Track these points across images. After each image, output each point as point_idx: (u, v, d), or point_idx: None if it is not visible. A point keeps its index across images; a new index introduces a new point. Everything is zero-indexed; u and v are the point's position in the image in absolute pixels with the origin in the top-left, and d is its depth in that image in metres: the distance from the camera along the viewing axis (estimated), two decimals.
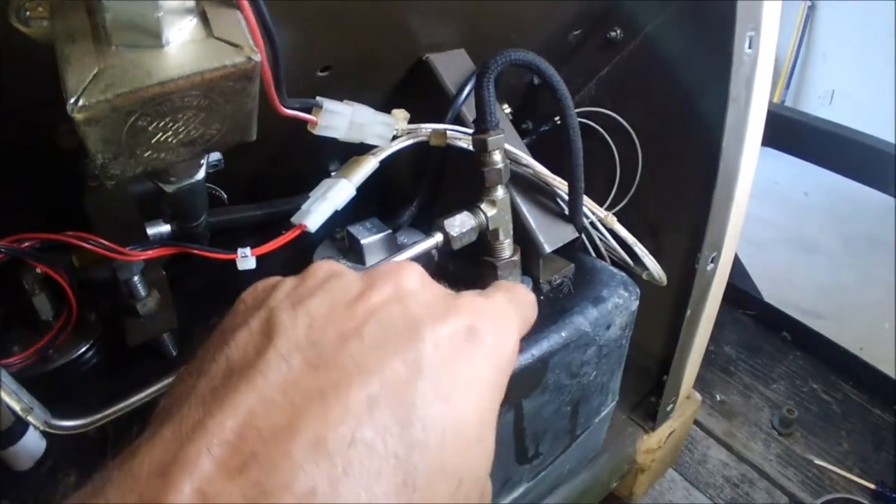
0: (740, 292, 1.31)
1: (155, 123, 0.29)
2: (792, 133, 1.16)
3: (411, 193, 0.56)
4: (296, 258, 0.56)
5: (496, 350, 0.23)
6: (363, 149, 0.47)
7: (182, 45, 0.28)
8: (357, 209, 0.51)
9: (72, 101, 0.27)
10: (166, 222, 0.47)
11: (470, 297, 0.25)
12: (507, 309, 0.26)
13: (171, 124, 0.29)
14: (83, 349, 0.49)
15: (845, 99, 2.66)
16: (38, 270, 0.46)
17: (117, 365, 0.49)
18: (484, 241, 0.48)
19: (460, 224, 0.44)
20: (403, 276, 0.24)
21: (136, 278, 0.45)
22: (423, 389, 0.20)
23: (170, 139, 0.30)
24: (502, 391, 0.24)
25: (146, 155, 0.31)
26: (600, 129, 0.66)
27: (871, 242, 2.01)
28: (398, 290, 0.24)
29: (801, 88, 2.85)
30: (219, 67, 0.28)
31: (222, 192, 0.50)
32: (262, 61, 0.29)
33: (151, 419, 0.21)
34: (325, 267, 0.26)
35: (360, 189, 0.47)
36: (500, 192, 0.46)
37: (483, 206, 0.45)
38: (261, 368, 0.20)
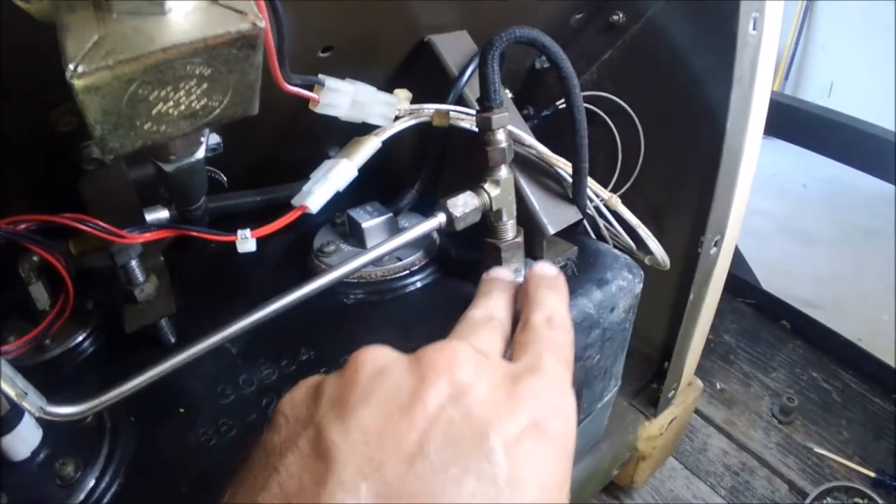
0: (740, 281, 1.31)
1: (156, 93, 0.29)
2: (791, 121, 1.16)
3: (412, 177, 0.56)
4: (297, 243, 0.55)
5: (563, 438, 0.22)
6: (364, 131, 0.47)
7: (185, 13, 0.28)
8: (358, 193, 0.51)
9: (71, 67, 0.26)
10: (165, 207, 0.47)
11: (529, 385, 0.23)
12: (562, 379, 0.25)
13: (172, 94, 0.29)
14: (80, 338, 0.49)
15: (844, 90, 2.67)
16: (35, 258, 0.45)
17: (115, 353, 0.48)
18: (487, 222, 0.47)
19: (463, 204, 0.43)
20: (457, 368, 0.22)
21: (133, 263, 0.45)
22: (499, 496, 0.19)
23: (171, 110, 0.30)
24: (570, 474, 0.23)
25: (146, 127, 0.30)
26: (602, 114, 0.66)
27: (870, 233, 2.02)
28: (454, 386, 0.22)
29: (800, 80, 2.85)
30: (222, 34, 0.27)
31: (222, 175, 0.50)
32: (266, 29, 0.29)
33: None
34: (370, 360, 0.23)
35: (361, 173, 0.46)
36: (503, 172, 0.45)
37: (486, 186, 0.45)
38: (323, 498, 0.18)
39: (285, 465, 0.19)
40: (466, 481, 0.19)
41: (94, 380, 0.46)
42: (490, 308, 0.31)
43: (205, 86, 0.29)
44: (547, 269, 0.35)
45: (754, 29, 0.54)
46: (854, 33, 2.57)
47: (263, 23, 0.28)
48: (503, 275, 0.36)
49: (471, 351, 0.24)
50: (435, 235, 0.53)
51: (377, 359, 0.23)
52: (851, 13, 2.54)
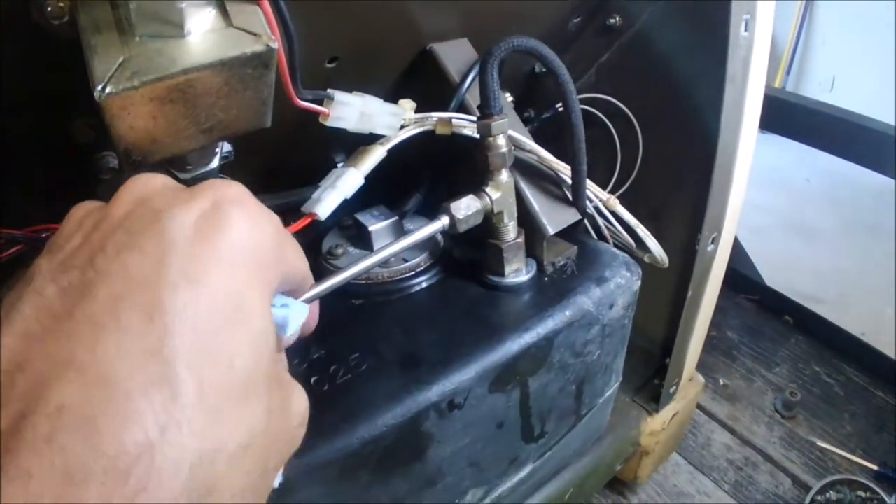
0: (742, 277, 1.32)
1: (177, 110, 0.31)
2: (793, 117, 1.17)
3: (417, 182, 0.58)
4: (306, 247, 0.57)
5: (250, 227, 0.23)
6: (369, 140, 0.49)
7: (203, 35, 0.30)
8: (365, 198, 0.53)
9: (99, 87, 0.29)
10: None
11: (214, 182, 0.24)
12: (253, 198, 0.25)
13: (192, 111, 0.31)
14: None
15: (846, 85, 2.66)
16: None
17: None
18: (489, 224, 0.49)
19: (466, 207, 0.45)
20: (144, 182, 0.24)
21: None
22: (168, 277, 0.20)
23: (190, 125, 0.32)
24: (270, 273, 0.23)
25: (167, 141, 0.32)
26: (601, 116, 0.68)
27: (872, 228, 2.02)
28: (141, 195, 0.23)
29: (801, 75, 2.85)
30: (239, 55, 0.29)
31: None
32: (278, 49, 0.31)
33: None
34: (78, 209, 0.25)
35: (367, 178, 0.48)
36: (504, 175, 0.47)
37: (488, 189, 0.47)
38: (16, 307, 0.20)
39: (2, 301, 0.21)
40: (132, 259, 0.20)
41: None
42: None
43: (222, 102, 0.31)
44: None
45: (746, 30, 0.56)
46: (855, 28, 2.57)
47: (276, 44, 0.30)
48: None
49: (165, 176, 0.25)
50: (439, 237, 0.55)
51: (82, 207, 0.25)
52: (852, 8, 2.53)
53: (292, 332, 0.28)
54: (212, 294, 0.20)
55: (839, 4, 2.61)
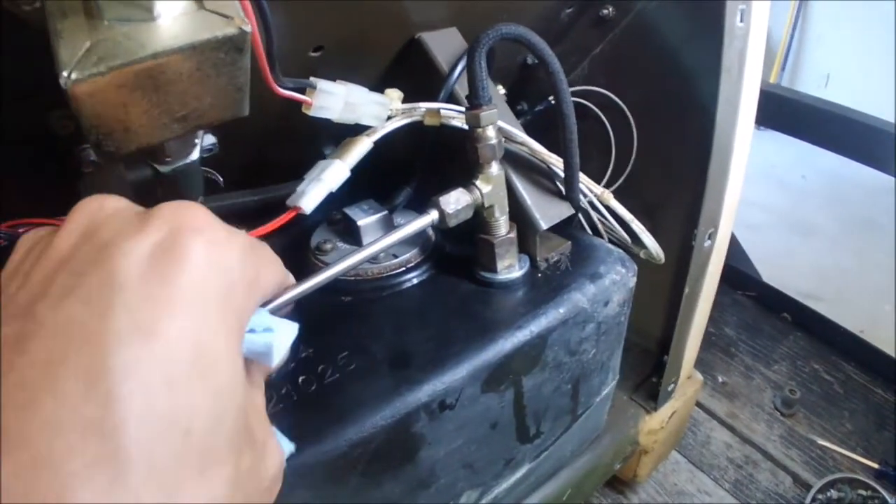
0: (740, 274, 1.31)
1: (148, 97, 0.29)
2: (790, 113, 1.16)
3: (407, 175, 0.57)
4: (294, 242, 0.56)
5: (215, 259, 0.20)
6: (357, 131, 0.47)
7: (173, 19, 0.28)
8: (354, 192, 0.51)
9: (65, 73, 0.27)
10: None
11: (170, 206, 0.21)
12: (215, 221, 0.22)
13: (163, 98, 0.30)
14: None
15: (841, 81, 2.67)
16: None
17: None
18: (480, 219, 0.48)
19: (455, 201, 0.44)
20: (93, 208, 0.21)
21: None
22: (115, 328, 0.17)
23: (163, 114, 0.30)
24: (238, 312, 0.21)
25: (140, 130, 0.31)
26: (594, 108, 0.67)
27: (870, 225, 2.02)
28: (88, 224, 0.20)
29: (796, 71, 2.85)
30: (210, 38, 0.28)
31: (218, 176, 0.50)
32: (253, 33, 0.30)
33: None
34: (27, 239, 0.22)
35: (356, 172, 0.47)
36: (494, 168, 0.46)
37: (478, 182, 0.45)
38: None
39: None
40: (74, 307, 0.17)
41: None
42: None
43: (195, 89, 0.30)
44: None
45: (742, 21, 0.55)
46: (850, 25, 2.57)
47: (250, 27, 0.29)
48: None
49: (118, 197, 0.22)
50: (430, 232, 0.54)
51: (30, 237, 0.23)
52: (847, 5, 2.54)
53: (279, 359, 0.25)
54: (168, 346, 0.18)
55: (834, 2, 2.61)
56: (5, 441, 0.16)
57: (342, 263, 0.38)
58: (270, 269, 0.25)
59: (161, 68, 0.28)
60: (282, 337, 0.25)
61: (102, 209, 0.21)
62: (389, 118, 0.47)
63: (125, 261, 0.18)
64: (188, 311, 0.18)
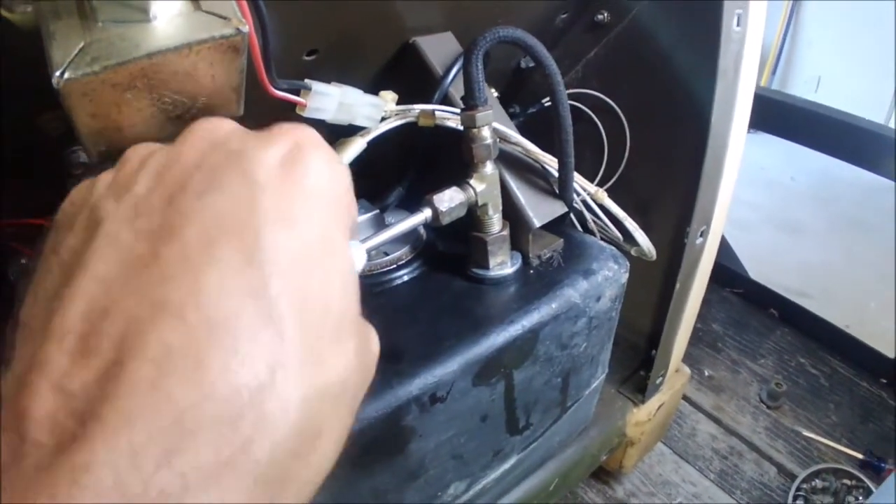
0: (727, 271, 1.32)
1: (142, 97, 0.29)
2: (780, 115, 1.17)
3: (399, 175, 0.57)
4: None
5: (329, 168, 0.22)
6: (352, 132, 0.47)
7: (169, 19, 0.28)
8: None
9: (57, 73, 0.27)
10: None
11: (289, 125, 0.23)
12: (328, 144, 0.24)
13: (157, 98, 0.30)
14: None
15: (832, 85, 2.67)
16: (24, 261, 0.46)
17: None
18: (473, 216, 0.48)
19: (449, 199, 0.44)
20: (215, 126, 0.23)
21: None
22: (263, 217, 0.19)
23: (157, 114, 0.31)
24: (348, 212, 0.23)
25: (134, 130, 0.31)
26: (588, 111, 0.67)
27: (857, 223, 2.04)
28: (214, 137, 0.22)
29: (787, 75, 2.85)
30: (206, 39, 0.28)
31: None
32: (249, 34, 0.30)
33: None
34: (140, 149, 0.24)
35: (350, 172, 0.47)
36: (488, 167, 0.46)
37: (472, 181, 0.46)
38: (92, 254, 0.19)
39: (63, 244, 0.20)
40: (223, 199, 0.19)
41: None
42: None
43: (190, 89, 0.30)
44: None
45: (738, 25, 0.55)
46: (841, 29, 2.57)
47: (247, 28, 0.29)
48: None
49: (232, 122, 0.24)
50: (422, 231, 0.54)
51: (147, 147, 0.24)
52: (839, 9, 2.54)
53: (359, 268, 0.28)
54: (306, 234, 0.20)
55: (826, 5, 2.61)
56: (174, 308, 0.17)
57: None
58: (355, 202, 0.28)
59: (156, 68, 0.28)
60: (357, 255, 0.28)
61: (221, 127, 0.23)
62: (384, 119, 0.47)
63: (260, 164, 0.20)
64: (315, 206, 0.21)
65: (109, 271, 0.18)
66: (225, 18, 0.29)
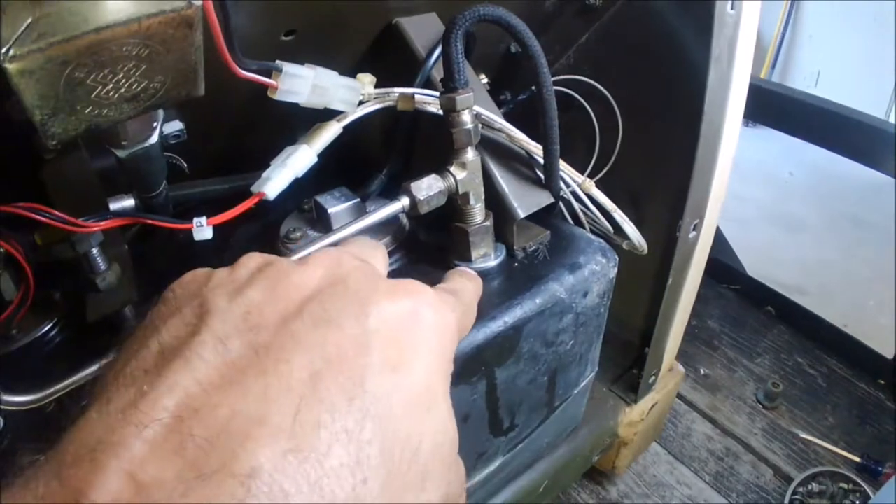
0: (724, 267, 1.30)
1: (93, 75, 0.28)
2: (781, 108, 1.16)
3: (381, 162, 0.55)
4: (264, 232, 0.54)
5: (440, 325, 0.24)
6: (332, 117, 0.46)
7: None
8: (327, 180, 0.50)
9: (3, 50, 0.26)
10: (131, 196, 0.46)
11: (412, 281, 0.25)
12: (446, 300, 0.27)
13: (110, 76, 0.28)
14: (47, 328, 0.48)
15: (831, 80, 2.67)
16: (1, 251, 0.44)
17: (82, 342, 0.47)
18: (454, 206, 0.47)
19: (427, 187, 0.43)
20: (337, 259, 0.24)
21: (94, 251, 0.44)
22: (370, 361, 0.20)
23: (111, 93, 0.29)
24: (450, 364, 0.25)
25: (87, 111, 0.29)
26: (579, 98, 0.65)
27: (856, 221, 2.03)
28: (339, 269, 0.24)
29: (786, 69, 2.85)
30: (157, 13, 0.27)
31: (182, 161, 0.49)
32: (206, 9, 0.28)
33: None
34: (257, 257, 0.25)
35: (329, 159, 0.46)
36: (470, 154, 0.45)
37: (452, 168, 0.44)
38: (196, 350, 0.19)
39: (167, 326, 0.21)
40: (335, 337, 0.20)
41: (61, 368, 0.45)
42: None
43: (144, 67, 0.28)
44: (465, 268, 0.41)
45: (732, 8, 0.53)
46: (841, 24, 2.57)
47: (200, 1, 0.27)
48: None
49: (351, 256, 0.25)
50: (404, 220, 0.53)
51: (265, 256, 0.25)
52: (838, 3, 2.53)
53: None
54: (408, 382, 0.21)
55: (826, 1, 2.60)
56: (271, 429, 0.17)
57: (307, 249, 0.37)
58: (469, 318, 0.30)
59: (104, 44, 0.26)
60: None
61: (344, 262, 0.24)
62: (362, 103, 0.45)
63: (377, 311, 0.22)
64: (422, 358, 0.22)
65: (210, 373, 0.18)
66: None
